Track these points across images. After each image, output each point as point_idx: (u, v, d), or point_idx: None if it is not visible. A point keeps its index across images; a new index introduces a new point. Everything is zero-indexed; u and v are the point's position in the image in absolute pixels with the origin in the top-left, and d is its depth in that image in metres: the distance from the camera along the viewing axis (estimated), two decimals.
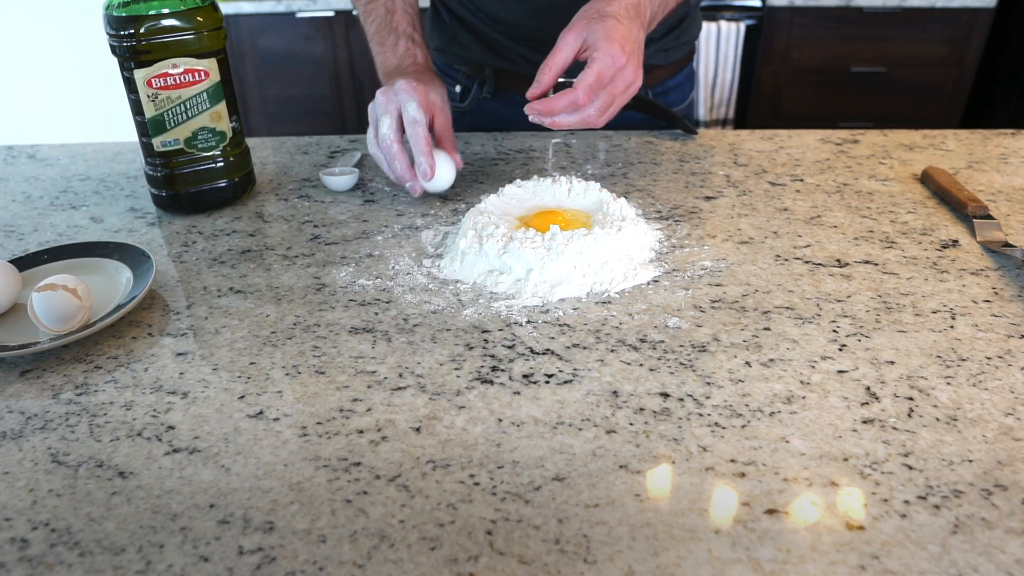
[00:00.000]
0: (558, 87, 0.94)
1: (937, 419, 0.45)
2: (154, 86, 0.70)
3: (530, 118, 0.67)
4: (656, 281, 0.61)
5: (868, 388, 0.48)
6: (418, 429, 0.45)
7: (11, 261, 0.62)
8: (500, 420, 0.46)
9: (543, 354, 0.52)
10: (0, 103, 2.48)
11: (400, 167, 0.73)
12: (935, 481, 0.40)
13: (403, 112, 0.72)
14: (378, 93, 0.75)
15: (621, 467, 0.42)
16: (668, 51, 0.97)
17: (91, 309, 0.56)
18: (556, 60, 0.67)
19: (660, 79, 0.99)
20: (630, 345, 0.53)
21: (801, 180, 0.80)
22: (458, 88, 1.02)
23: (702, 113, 2.54)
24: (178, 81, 0.70)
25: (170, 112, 0.71)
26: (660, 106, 0.94)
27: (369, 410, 0.47)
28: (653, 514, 0.39)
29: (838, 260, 0.64)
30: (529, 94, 0.68)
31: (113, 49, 0.69)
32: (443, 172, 0.74)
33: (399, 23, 0.84)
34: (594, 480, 0.41)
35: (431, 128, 0.75)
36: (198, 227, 0.74)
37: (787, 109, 2.53)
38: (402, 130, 0.73)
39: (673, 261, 0.64)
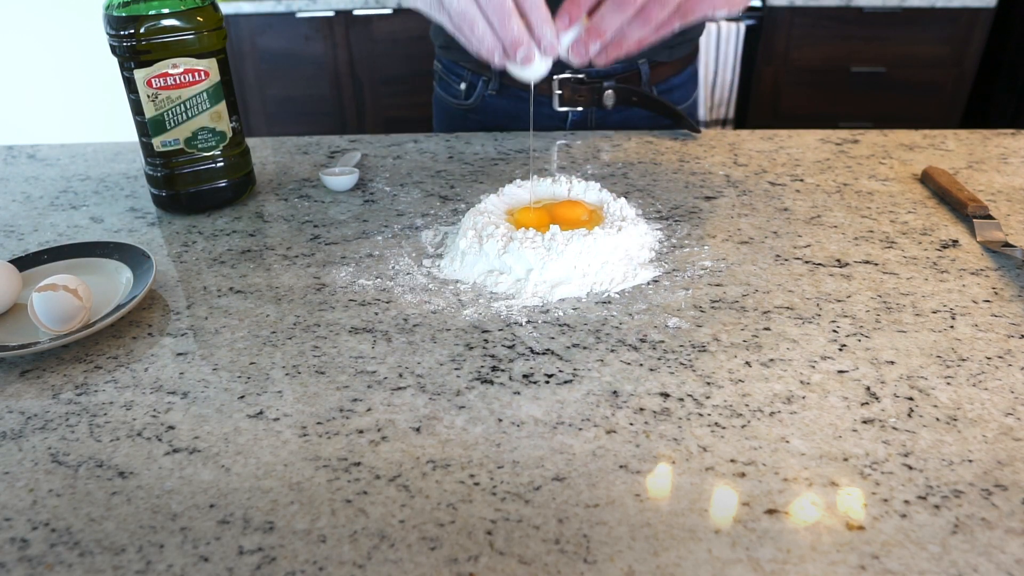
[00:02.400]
0: (564, 87, 0.94)
1: (937, 419, 0.45)
2: (154, 86, 0.70)
3: (565, 50, 0.55)
4: (656, 281, 0.61)
5: (868, 388, 0.48)
6: (418, 429, 0.45)
7: (11, 261, 0.62)
8: (500, 420, 0.46)
9: (543, 354, 0.52)
10: (0, 103, 2.48)
11: (517, 27, 0.53)
12: (935, 481, 0.40)
13: None
14: None
15: (621, 467, 0.42)
16: (673, 48, 0.97)
17: (91, 309, 0.56)
18: None
19: (665, 76, 0.99)
20: (630, 345, 0.53)
21: (801, 180, 0.80)
22: (463, 85, 1.02)
23: (702, 113, 2.54)
24: (178, 81, 0.70)
25: (170, 112, 0.71)
26: (665, 104, 0.94)
27: (369, 410, 0.47)
28: (653, 514, 0.39)
29: (838, 260, 0.64)
30: (559, 26, 0.54)
31: (113, 49, 0.69)
32: (565, 43, 0.56)
33: None
34: (594, 480, 0.41)
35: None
36: (198, 227, 0.74)
37: (787, 109, 2.53)
38: None
39: (673, 261, 0.64)
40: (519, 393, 0.48)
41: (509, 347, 0.53)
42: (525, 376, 0.50)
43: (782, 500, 0.39)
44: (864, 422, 0.45)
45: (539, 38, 0.54)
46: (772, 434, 0.44)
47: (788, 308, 0.57)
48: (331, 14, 2.52)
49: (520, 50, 0.54)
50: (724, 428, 0.45)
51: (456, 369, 0.51)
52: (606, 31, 0.54)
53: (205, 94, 0.72)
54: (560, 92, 0.95)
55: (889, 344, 0.52)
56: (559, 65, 0.92)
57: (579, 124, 0.99)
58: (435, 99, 1.09)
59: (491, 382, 0.49)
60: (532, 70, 0.57)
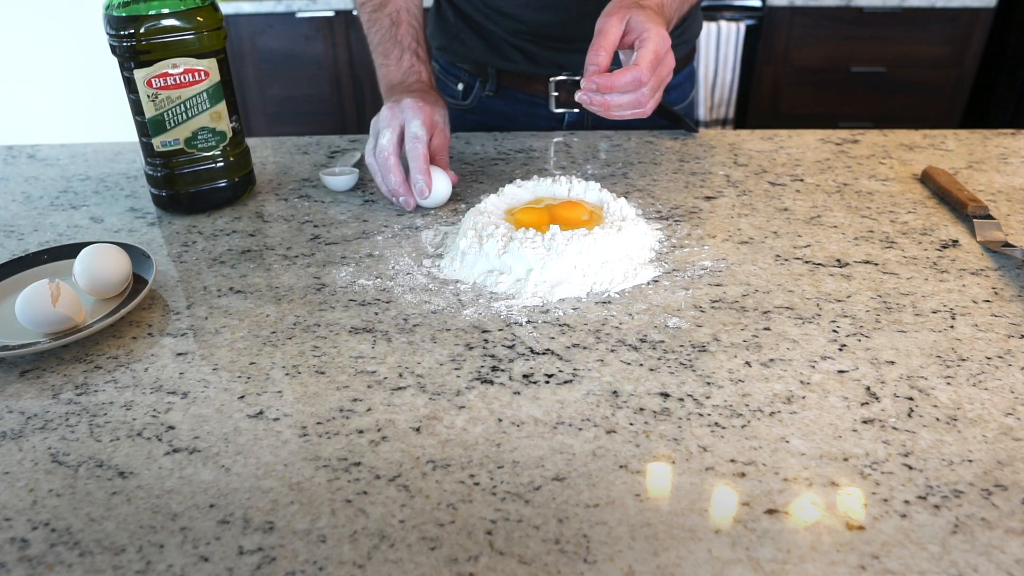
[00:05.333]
0: (560, 89, 0.95)
1: (937, 419, 0.45)
2: (154, 86, 0.70)
3: (579, 96, 0.65)
4: (656, 281, 0.61)
5: (868, 388, 0.48)
6: (418, 429, 0.45)
7: (11, 261, 0.62)
8: (500, 420, 0.46)
9: (543, 354, 0.52)
10: (0, 103, 2.48)
11: (395, 180, 0.72)
12: (935, 481, 0.40)
13: (406, 128, 0.73)
14: (384, 107, 0.75)
15: (621, 467, 0.42)
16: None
17: (80, 308, 0.56)
18: (606, 41, 0.65)
19: None
20: (630, 345, 0.53)
21: (801, 180, 0.80)
22: (460, 86, 1.02)
23: (702, 113, 2.54)
24: (178, 81, 0.70)
25: (170, 112, 0.71)
26: (662, 105, 0.94)
27: (369, 410, 0.47)
28: (653, 514, 0.39)
29: (838, 260, 0.64)
30: (586, 80, 0.65)
31: (113, 49, 0.69)
32: (439, 187, 0.73)
33: (404, 37, 0.84)
34: (594, 480, 0.41)
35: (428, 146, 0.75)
36: (198, 227, 0.74)
37: (787, 109, 2.53)
38: (401, 144, 0.73)
39: (673, 261, 0.64)
40: (519, 393, 0.48)
41: (509, 347, 0.53)
42: (525, 376, 0.50)
43: (782, 500, 0.39)
44: (864, 422, 0.45)
45: (414, 187, 0.72)
46: (772, 434, 0.44)
47: (788, 308, 0.57)
48: (331, 14, 2.52)
49: (400, 198, 0.73)
50: (724, 428, 0.45)
51: (456, 369, 0.51)
52: (613, 89, 0.64)
53: (205, 94, 0.72)
54: (556, 94, 0.95)
55: (889, 344, 0.52)
56: (556, 67, 0.93)
57: (575, 125, 0.99)
58: None
59: (491, 382, 0.49)
60: (428, 202, 0.74)
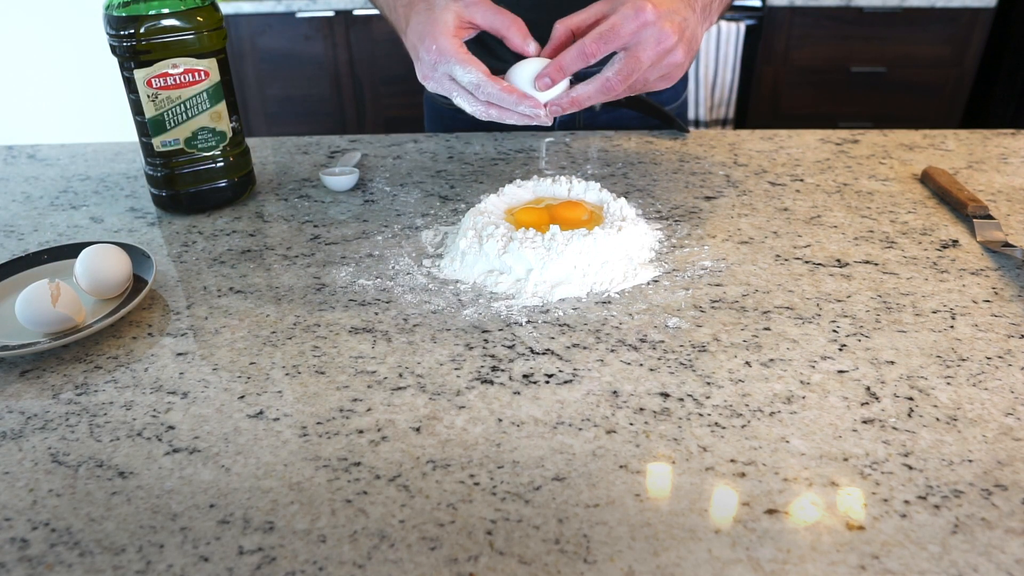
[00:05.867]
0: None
1: (937, 419, 0.45)
2: (154, 86, 0.70)
3: (537, 86, 0.60)
4: (656, 281, 0.61)
5: (868, 388, 0.48)
6: (418, 429, 0.45)
7: (11, 261, 0.62)
8: (500, 420, 0.46)
9: (543, 354, 0.52)
10: (0, 103, 2.48)
11: (527, 104, 0.60)
12: (935, 481, 0.40)
13: (458, 81, 0.61)
14: (420, 77, 0.63)
15: (621, 467, 0.42)
16: None
17: (80, 308, 0.56)
18: (572, 18, 0.60)
19: None
20: (630, 345, 0.53)
21: (801, 180, 0.80)
22: None
23: (702, 113, 2.54)
24: (178, 81, 0.70)
25: (170, 112, 0.71)
26: (653, 105, 0.94)
27: (369, 410, 0.47)
28: (653, 514, 0.39)
29: (838, 260, 0.64)
30: (533, 50, 0.60)
31: (113, 49, 0.69)
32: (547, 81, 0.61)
33: None
34: (594, 480, 0.41)
35: (479, 31, 0.63)
36: (198, 227, 0.74)
37: (787, 109, 2.53)
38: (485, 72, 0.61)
39: (673, 261, 0.64)
40: (519, 393, 0.48)
41: (509, 347, 0.53)
42: (525, 376, 0.50)
43: (782, 500, 0.39)
44: (864, 422, 0.45)
45: (524, 115, 0.61)
46: (772, 434, 0.44)
47: (788, 308, 0.57)
48: (331, 14, 2.52)
49: (541, 114, 0.61)
50: (724, 428, 0.45)
51: (456, 369, 0.51)
52: (585, 105, 0.60)
53: (205, 94, 0.72)
54: None
55: (889, 344, 0.52)
56: None
57: (567, 125, 0.99)
58: (426, 99, 1.09)
59: (491, 382, 0.49)
60: (549, 96, 0.61)
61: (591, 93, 0.60)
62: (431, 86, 0.63)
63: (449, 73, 0.61)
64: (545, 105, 0.61)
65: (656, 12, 0.57)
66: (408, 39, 0.64)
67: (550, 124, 0.63)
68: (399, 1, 0.71)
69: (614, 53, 0.60)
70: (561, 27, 0.61)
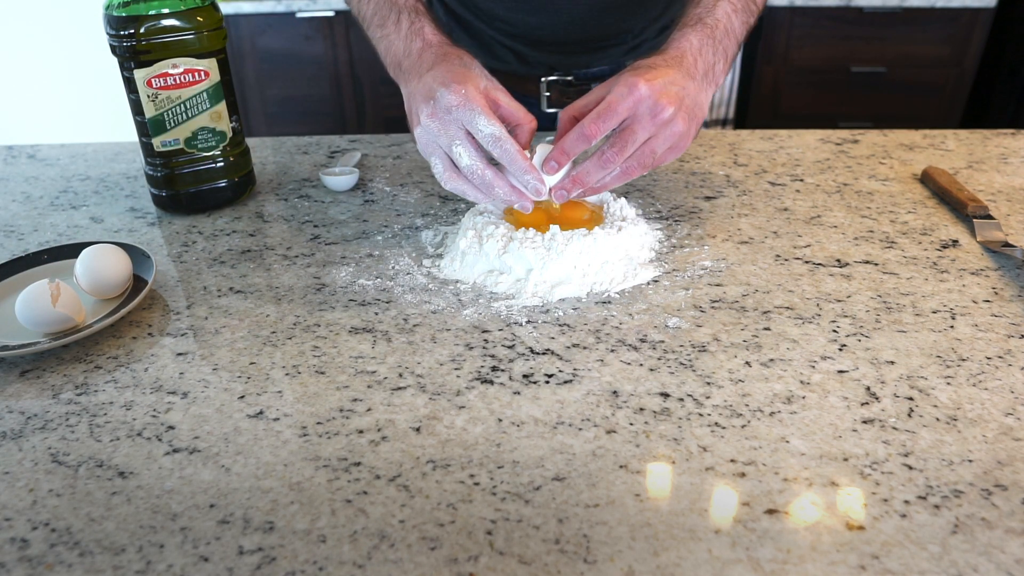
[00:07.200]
0: (552, 89, 0.94)
1: (937, 419, 0.45)
2: (154, 86, 0.70)
3: (544, 170, 0.60)
4: (656, 281, 0.61)
5: (868, 388, 0.48)
6: (418, 429, 0.45)
7: (11, 261, 0.62)
8: (500, 420, 0.46)
9: (543, 354, 0.52)
10: (0, 103, 2.48)
11: (505, 191, 0.59)
12: (935, 481, 0.40)
13: (472, 129, 0.58)
14: (423, 117, 0.60)
15: (621, 467, 0.42)
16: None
17: (80, 308, 0.56)
18: (574, 105, 0.62)
19: None
20: (630, 345, 0.53)
21: (801, 180, 0.80)
22: None
23: None
24: (178, 81, 0.70)
25: (170, 112, 0.71)
26: None
27: (369, 410, 0.47)
28: (653, 514, 0.39)
29: (838, 260, 0.64)
30: (547, 170, 0.60)
31: (113, 49, 0.69)
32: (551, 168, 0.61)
33: None
34: (594, 480, 0.41)
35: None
36: (198, 227, 0.74)
37: (787, 109, 2.53)
38: (481, 149, 0.59)
39: (673, 261, 0.64)
40: (519, 393, 0.48)
41: (509, 347, 0.53)
42: (525, 376, 0.50)
43: (782, 500, 0.39)
44: (864, 422, 0.45)
45: (527, 190, 0.59)
46: (772, 434, 0.44)
47: (788, 308, 0.57)
48: (331, 14, 2.52)
49: (516, 204, 0.61)
50: (724, 428, 0.45)
51: (456, 369, 0.51)
52: (588, 183, 0.60)
53: (205, 94, 0.72)
54: (548, 94, 0.95)
55: (889, 344, 0.52)
56: (548, 68, 0.93)
57: None
58: None
59: (491, 382, 0.49)
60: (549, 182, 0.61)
61: (590, 168, 0.60)
62: (432, 126, 0.59)
63: (465, 121, 0.58)
64: (550, 190, 0.61)
65: (650, 86, 0.58)
66: (424, 80, 0.62)
67: (530, 209, 0.62)
68: (414, 44, 0.69)
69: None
70: (565, 115, 0.62)
